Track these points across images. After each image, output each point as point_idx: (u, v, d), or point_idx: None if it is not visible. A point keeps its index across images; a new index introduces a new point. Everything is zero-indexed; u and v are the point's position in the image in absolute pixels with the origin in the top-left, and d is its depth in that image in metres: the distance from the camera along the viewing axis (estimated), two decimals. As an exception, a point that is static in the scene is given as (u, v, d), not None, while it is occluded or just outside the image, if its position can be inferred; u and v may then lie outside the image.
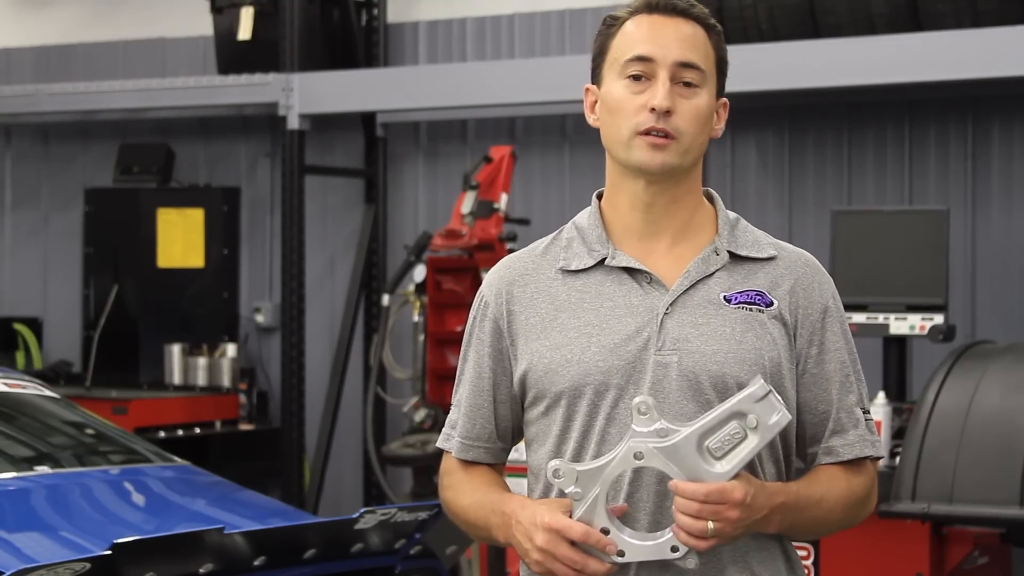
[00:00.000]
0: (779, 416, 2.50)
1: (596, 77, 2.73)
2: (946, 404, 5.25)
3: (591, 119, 2.75)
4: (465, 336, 2.80)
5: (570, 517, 2.54)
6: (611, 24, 2.71)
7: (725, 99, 2.74)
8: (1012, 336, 6.63)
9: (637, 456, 2.51)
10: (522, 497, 2.67)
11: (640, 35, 2.66)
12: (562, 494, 2.58)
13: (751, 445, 2.50)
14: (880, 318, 6.00)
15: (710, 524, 2.48)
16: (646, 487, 2.60)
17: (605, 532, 2.53)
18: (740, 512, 2.49)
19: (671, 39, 2.65)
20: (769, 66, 6.66)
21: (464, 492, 2.76)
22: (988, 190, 7.00)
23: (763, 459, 2.64)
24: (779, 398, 2.51)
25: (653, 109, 2.61)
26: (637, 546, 2.54)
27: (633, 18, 2.68)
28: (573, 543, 2.53)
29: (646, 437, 2.51)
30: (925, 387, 5.37)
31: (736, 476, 2.50)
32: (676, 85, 2.64)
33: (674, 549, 2.52)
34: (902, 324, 5.99)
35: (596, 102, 2.73)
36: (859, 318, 5.96)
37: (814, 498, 2.63)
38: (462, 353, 2.80)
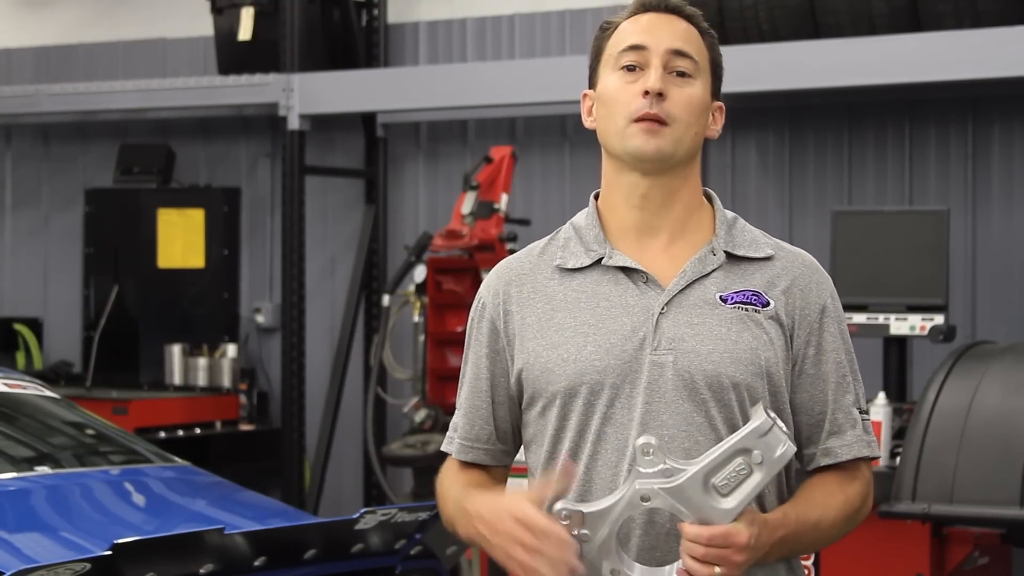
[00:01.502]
0: (784, 449, 2.48)
1: (592, 81, 2.75)
2: (946, 404, 5.24)
3: (588, 122, 2.76)
4: (466, 338, 2.81)
5: (578, 557, 2.51)
6: (606, 29, 2.74)
7: (721, 104, 2.75)
8: (1012, 336, 6.63)
9: (644, 498, 2.49)
10: (486, 494, 2.67)
11: (634, 28, 2.69)
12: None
13: (756, 480, 2.48)
14: (880, 318, 6.00)
15: (716, 569, 2.47)
16: (641, 516, 2.59)
17: (615, 573, 2.52)
18: (745, 555, 2.48)
19: (664, 30, 2.68)
20: (769, 66, 6.66)
21: (446, 488, 2.78)
22: (988, 190, 7.00)
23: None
24: (783, 428, 2.49)
25: (647, 93, 2.63)
26: None
27: (628, 19, 2.72)
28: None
29: (651, 478, 2.49)
30: (925, 387, 5.37)
31: (741, 514, 2.48)
32: (670, 74, 2.65)
33: None
34: (902, 324, 5.99)
35: (592, 106, 2.74)
36: (859, 318, 5.96)
37: (812, 522, 2.62)
38: (463, 356, 2.81)
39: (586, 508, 2.52)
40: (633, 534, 2.59)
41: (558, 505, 2.53)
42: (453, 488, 2.77)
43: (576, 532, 2.51)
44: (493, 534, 2.57)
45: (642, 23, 2.69)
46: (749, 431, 2.48)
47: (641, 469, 2.49)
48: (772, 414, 2.49)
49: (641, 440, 2.50)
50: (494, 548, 2.58)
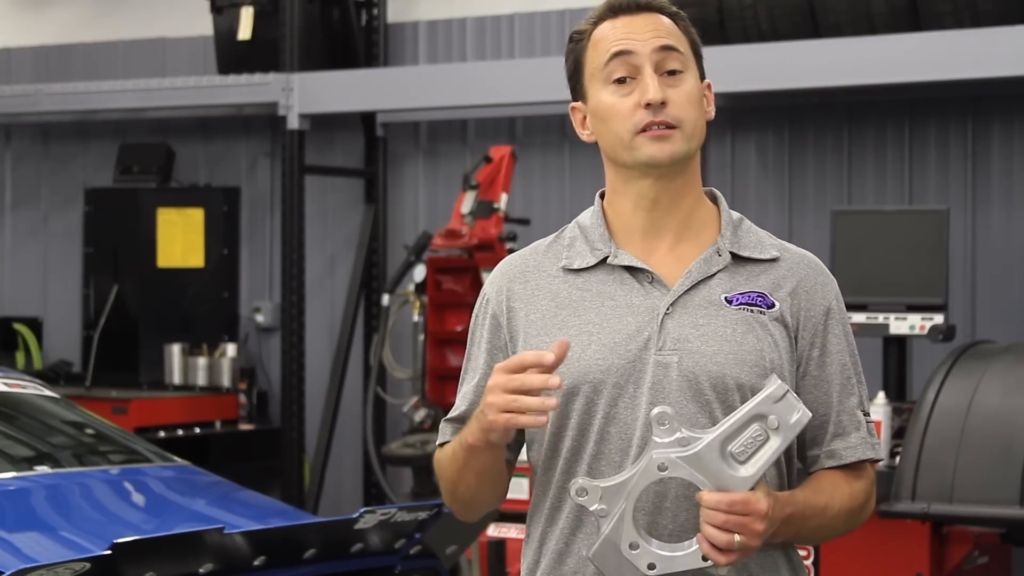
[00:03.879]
0: (799, 415, 2.48)
1: (578, 94, 2.72)
2: (946, 404, 5.25)
3: (584, 135, 2.73)
4: (469, 335, 2.80)
5: (597, 531, 2.53)
6: (578, 39, 2.70)
7: (709, 81, 2.73)
8: (1012, 336, 6.63)
9: (661, 467, 2.49)
10: None
11: (614, 35, 2.65)
12: (582, 510, 2.57)
13: (774, 446, 2.48)
14: (880, 318, 6.00)
15: (737, 537, 2.46)
16: (674, 490, 2.57)
17: (634, 547, 2.51)
18: (765, 525, 2.48)
19: (644, 30, 2.64)
20: (769, 66, 6.66)
21: (444, 454, 2.74)
22: (988, 190, 7.00)
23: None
24: (797, 397, 2.50)
25: (648, 105, 2.61)
26: (667, 557, 2.51)
27: (599, 26, 2.68)
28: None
29: (668, 447, 2.49)
30: (925, 387, 5.37)
31: (757, 484, 2.48)
32: (662, 76, 2.63)
33: (705, 558, 2.50)
34: (902, 324, 5.99)
35: (585, 117, 2.72)
36: (859, 318, 5.96)
37: (818, 507, 2.62)
38: (466, 352, 2.80)
39: (603, 483, 2.52)
40: (666, 517, 2.57)
41: (576, 481, 2.53)
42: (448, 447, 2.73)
43: (594, 508, 2.51)
44: (485, 406, 2.53)
45: (619, 28, 2.65)
46: (764, 396, 2.48)
47: (657, 439, 2.49)
48: (785, 384, 2.49)
49: (657, 410, 2.50)
50: (489, 421, 2.53)
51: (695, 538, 2.51)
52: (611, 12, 2.67)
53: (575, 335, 2.64)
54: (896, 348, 6.10)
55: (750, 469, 2.48)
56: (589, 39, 2.68)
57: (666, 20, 2.67)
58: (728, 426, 2.49)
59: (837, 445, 2.68)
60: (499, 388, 2.51)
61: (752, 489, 2.48)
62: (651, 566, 2.51)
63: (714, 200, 2.76)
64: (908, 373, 6.19)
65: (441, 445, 2.80)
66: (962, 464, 5.10)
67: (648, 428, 2.54)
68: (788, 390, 2.48)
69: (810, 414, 2.52)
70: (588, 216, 2.75)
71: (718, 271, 2.67)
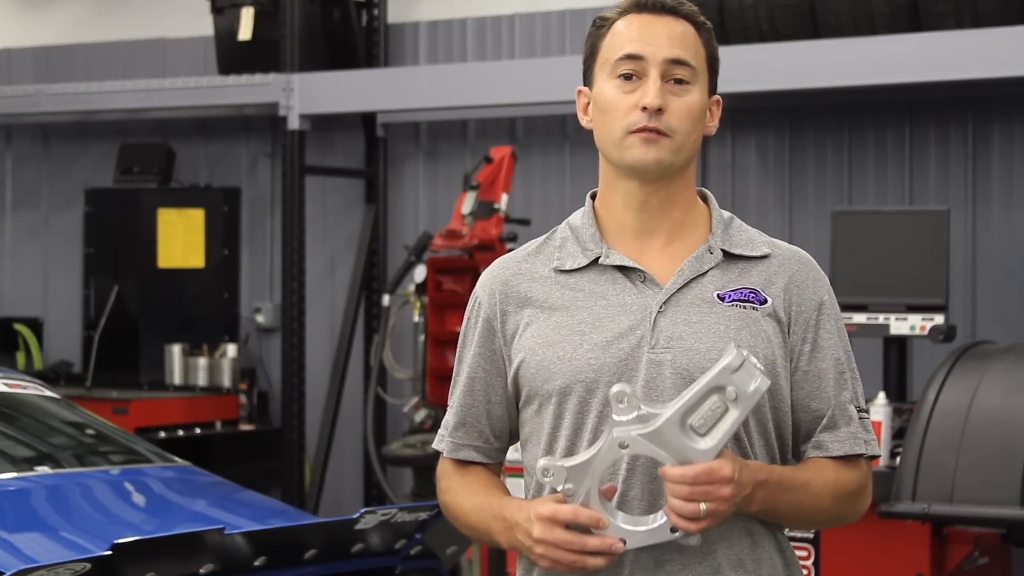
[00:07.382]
0: (758, 382, 2.48)
1: (588, 79, 2.73)
2: (946, 404, 5.25)
3: (584, 121, 2.75)
4: (460, 337, 2.81)
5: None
6: (600, 25, 2.73)
7: (718, 97, 2.74)
8: (1012, 336, 6.63)
9: (622, 445, 2.50)
10: (519, 500, 2.66)
11: (630, 34, 2.67)
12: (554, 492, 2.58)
13: (733, 417, 2.48)
14: (880, 318, 6.00)
15: (702, 505, 2.47)
16: (641, 469, 2.59)
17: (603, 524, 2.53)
18: (731, 489, 2.48)
19: (661, 36, 2.65)
20: (769, 66, 6.66)
21: (463, 496, 2.76)
22: (988, 190, 7.00)
23: (757, 453, 2.63)
24: (756, 362, 2.48)
25: (645, 108, 2.62)
26: (636, 532, 2.53)
27: (623, 18, 2.69)
28: (571, 528, 2.53)
29: (627, 425, 2.50)
30: (925, 387, 5.37)
31: (721, 453, 2.49)
32: (667, 83, 2.64)
33: (673, 530, 2.51)
34: (902, 324, 5.99)
35: (588, 104, 2.73)
36: (859, 318, 5.96)
37: (799, 482, 2.62)
38: (458, 354, 2.80)
39: (567, 462, 2.53)
40: (633, 494, 2.59)
41: (541, 462, 2.54)
42: (465, 490, 2.75)
43: (560, 487, 2.52)
44: (525, 538, 2.57)
45: (638, 27, 2.66)
46: (721, 368, 2.48)
47: (616, 417, 2.50)
48: (744, 350, 2.49)
49: (615, 388, 2.50)
50: (539, 557, 2.57)
51: (661, 511, 2.52)
52: (636, 7, 2.68)
53: (567, 335, 2.65)
54: (896, 348, 6.10)
55: (711, 441, 2.48)
56: (610, 28, 2.70)
57: (689, 29, 2.67)
58: (687, 400, 2.49)
59: (825, 438, 2.68)
60: (555, 545, 2.52)
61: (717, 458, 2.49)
62: (622, 541, 2.52)
63: (704, 200, 2.76)
64: (908, 373, 6.19)
65: (439, 452, 2.82)
66: (962, 464, 5.10)
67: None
68: (746, 357, 2.48)
69: (769, 382, 2.50)
70: (579, 217, 2.76)
71: (710, 268, 2.68)
